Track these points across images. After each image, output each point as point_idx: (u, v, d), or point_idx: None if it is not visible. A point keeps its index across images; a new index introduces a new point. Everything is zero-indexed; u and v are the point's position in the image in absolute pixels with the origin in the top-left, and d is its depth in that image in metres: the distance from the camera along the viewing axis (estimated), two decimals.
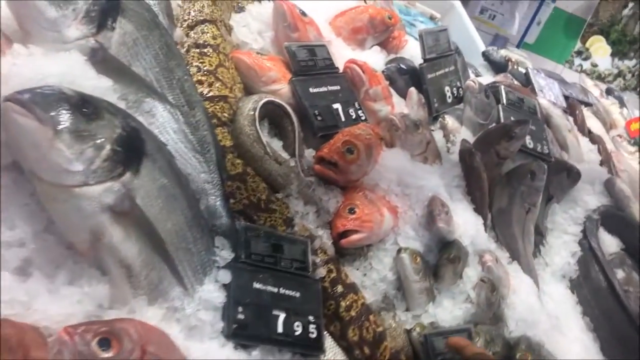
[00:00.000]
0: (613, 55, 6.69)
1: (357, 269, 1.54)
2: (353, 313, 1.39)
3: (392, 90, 1.99)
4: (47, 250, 1.01)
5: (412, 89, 2.02)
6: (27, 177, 0.99)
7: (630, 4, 6.54)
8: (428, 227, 1.68)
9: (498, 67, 3.03)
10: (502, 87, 2.34)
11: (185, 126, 1.28)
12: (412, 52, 2.30)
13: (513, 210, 1.97)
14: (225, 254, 1.24)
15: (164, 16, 1.40)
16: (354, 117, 1.73)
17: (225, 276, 1.21)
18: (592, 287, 2.06)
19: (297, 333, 1.23)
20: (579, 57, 6.73)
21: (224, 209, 1.30)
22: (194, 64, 1.44)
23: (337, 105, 1.71)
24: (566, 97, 2.85)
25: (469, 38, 3.43)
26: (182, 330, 1.10)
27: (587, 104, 3.07)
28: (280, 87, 1.63)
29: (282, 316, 1.22)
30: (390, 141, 1.80)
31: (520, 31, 5.69)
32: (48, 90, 0.97)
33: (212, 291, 1.17)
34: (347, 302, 1.40)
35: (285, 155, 1.49)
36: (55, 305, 0.96)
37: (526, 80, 2.79)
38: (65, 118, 0.95)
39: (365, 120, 1.76)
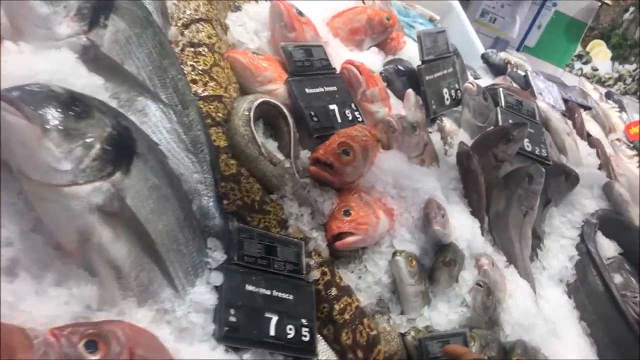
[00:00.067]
0: (613, 59, 6.68)
1: (352, 272, 1.53)
2: (347, 316, 1.38)
3: (389, 92, 1.98)
4: (35, 250, 1.00)
5: (410, 91, 2.00)
6: (15, 176, 0.98)
7: (631, 9, 6.53)
8: (424, 230, 1.67)
9: (497, 69, 3.03)
10: (501, 89, 2.33)
11: (178, 126, 1.27)
12: (411, 53, 2.28)
13: (510, 214, 1.96)
14: (217, 256, 1.23)
15: (158, 14, 1.39)
16: (350, 118, 1.72)
17: (217, 278, 1.19)
18: (589, 291, 2.05)
19: (289, 336, 1.22)
20: (579, 61, 6.72)
21: (217, 210, 1.29)
22: (189, 63, 1.43)
23: (333, 106, 1.69)
24: (565, 101, 2.84)
25: (468, 40, 3.42)
26: (172, 333, 1.09)
27: (587, 108, 3.06)
28: (276, 87, 1.62)
29: (274, 319, 1.21)
30: (387, 143, 1.79)
31: (521, 34, 5.70)
32: (37, 88, 0.95)
33: (203, 293, 1.16)
34: (341, 305, 1.38)
35: (280, 156, 1.48)
36: (43, 306, 0.95)
37: (525, 83, 2.78)
38: (54, 116, 0.94)
39: (362, 121, 1.75)
